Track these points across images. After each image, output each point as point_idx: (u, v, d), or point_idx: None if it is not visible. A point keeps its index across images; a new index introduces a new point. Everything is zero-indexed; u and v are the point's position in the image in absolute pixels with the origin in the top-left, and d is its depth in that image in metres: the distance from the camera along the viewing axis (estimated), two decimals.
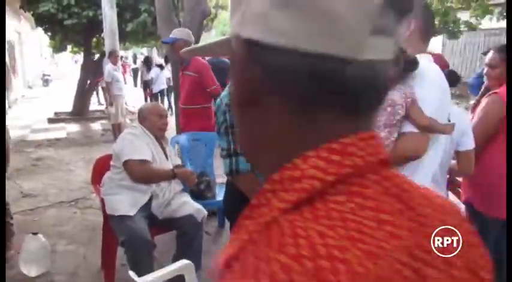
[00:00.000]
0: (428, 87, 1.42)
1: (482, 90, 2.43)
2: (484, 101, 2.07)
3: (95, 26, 8.58)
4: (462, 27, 10.18)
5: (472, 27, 10.08)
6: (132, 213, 2.37)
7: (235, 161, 1.69)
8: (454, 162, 2.66)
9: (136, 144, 2.45)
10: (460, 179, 2.59)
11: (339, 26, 0.33)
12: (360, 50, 0.34)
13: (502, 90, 2.02)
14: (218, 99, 1.81)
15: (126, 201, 2.41)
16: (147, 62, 11.31)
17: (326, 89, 0.35)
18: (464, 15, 9.95)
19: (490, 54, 2.16)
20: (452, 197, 2.66)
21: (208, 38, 25.15)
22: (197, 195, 3.10)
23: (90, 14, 8.45)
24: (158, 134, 2.63)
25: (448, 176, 2.83)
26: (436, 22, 9.81)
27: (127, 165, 2.40)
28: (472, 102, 3.02)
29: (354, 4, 0.33)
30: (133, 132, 2.55)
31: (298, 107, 0.36)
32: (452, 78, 1.40)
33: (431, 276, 0.34)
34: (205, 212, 2.63)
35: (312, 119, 0.37)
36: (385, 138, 1.39)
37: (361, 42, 0.34)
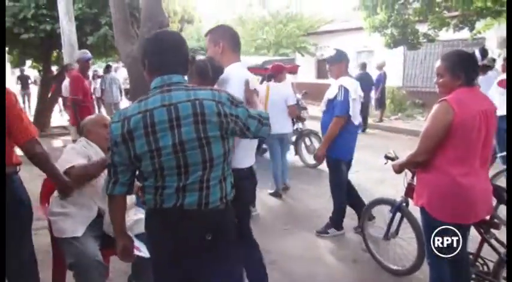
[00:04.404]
0: (233, 85, 2.10)
1: None
2: (434, 108, 2.10)
3: (54, 40, 8.32)
4: (421, 39, 10.53)
5: (430, 39, 10.45)
6: (79, 234, 2.24)
7: None
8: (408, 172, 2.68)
9: (70, 155, 2.35)
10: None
11: None
12: None
13: (451, 97, 2.06)
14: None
15: (71, 222, 2.27)
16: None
17: None
18: (423, 27, 10.31)
19: (438, 63, 2.21)
20: (411, 203, 2.67)
21: None
22: None
23: (47, 28, 8.18)
24: (107, 144, 2.51)
25: (408, 184, 2.86)
26: (396, 34, 10.11)
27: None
28: None
29: None
30: (74, 146, 2.45)
31: None
32: None
33: None
34: None
35: None
36: None
37: None
